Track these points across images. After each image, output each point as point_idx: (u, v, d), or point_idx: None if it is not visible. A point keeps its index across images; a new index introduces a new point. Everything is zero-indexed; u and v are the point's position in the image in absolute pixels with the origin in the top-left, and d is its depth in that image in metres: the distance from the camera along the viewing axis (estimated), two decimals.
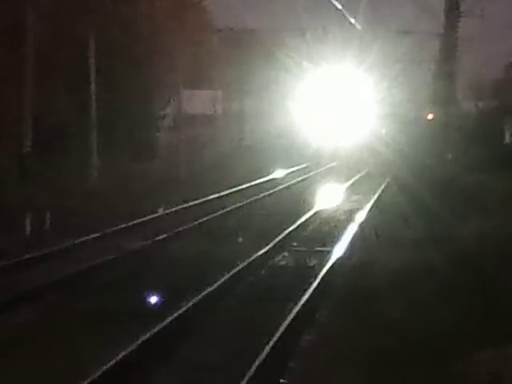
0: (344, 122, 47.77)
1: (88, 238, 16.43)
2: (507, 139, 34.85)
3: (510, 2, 43.64)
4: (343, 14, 42.76)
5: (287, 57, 45.73)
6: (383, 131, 42.87)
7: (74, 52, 28.96)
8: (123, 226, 18.17)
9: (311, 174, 35.91)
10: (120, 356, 8.28)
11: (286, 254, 15.74)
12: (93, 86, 28.90)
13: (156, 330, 9.32)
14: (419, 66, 50.79)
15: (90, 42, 28.43)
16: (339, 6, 41.41)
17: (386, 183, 28.95)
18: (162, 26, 36.05)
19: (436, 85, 30.54)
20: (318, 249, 16.28)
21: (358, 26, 45.23)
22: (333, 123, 47.59)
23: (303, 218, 19.88)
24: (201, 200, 23.85)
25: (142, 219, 19.42)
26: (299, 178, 33.04)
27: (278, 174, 34.60)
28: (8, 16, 27.30)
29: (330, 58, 47.01)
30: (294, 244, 16.89)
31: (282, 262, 15.03)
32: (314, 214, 21.35)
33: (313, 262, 14.79)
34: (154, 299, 11.71)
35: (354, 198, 26.91)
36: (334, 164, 40.30)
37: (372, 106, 48.06)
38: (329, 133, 46.19)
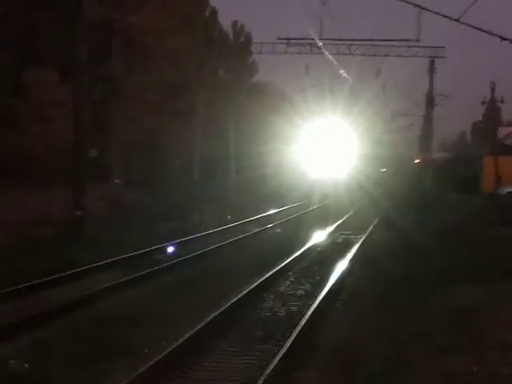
0: (336, 163, 53.63)
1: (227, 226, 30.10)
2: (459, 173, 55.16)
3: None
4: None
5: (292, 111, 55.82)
6: (383, 169, 59.21)
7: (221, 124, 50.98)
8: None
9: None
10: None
11: None
12: (232, 139, 51.39)
13: None
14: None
15: (230, 122, 50.54)
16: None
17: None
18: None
19: (420, 142, 52.04)
20: None
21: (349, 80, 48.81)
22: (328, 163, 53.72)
23: None
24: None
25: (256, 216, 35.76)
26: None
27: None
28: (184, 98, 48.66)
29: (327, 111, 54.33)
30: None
31: None
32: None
33: None
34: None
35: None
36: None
37: (364, 149, 55.07)
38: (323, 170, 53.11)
